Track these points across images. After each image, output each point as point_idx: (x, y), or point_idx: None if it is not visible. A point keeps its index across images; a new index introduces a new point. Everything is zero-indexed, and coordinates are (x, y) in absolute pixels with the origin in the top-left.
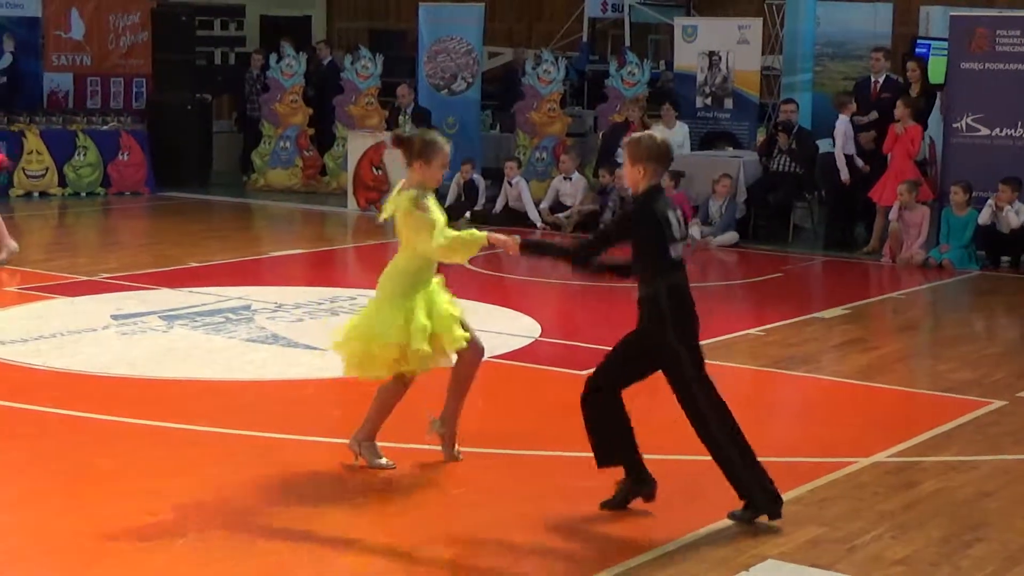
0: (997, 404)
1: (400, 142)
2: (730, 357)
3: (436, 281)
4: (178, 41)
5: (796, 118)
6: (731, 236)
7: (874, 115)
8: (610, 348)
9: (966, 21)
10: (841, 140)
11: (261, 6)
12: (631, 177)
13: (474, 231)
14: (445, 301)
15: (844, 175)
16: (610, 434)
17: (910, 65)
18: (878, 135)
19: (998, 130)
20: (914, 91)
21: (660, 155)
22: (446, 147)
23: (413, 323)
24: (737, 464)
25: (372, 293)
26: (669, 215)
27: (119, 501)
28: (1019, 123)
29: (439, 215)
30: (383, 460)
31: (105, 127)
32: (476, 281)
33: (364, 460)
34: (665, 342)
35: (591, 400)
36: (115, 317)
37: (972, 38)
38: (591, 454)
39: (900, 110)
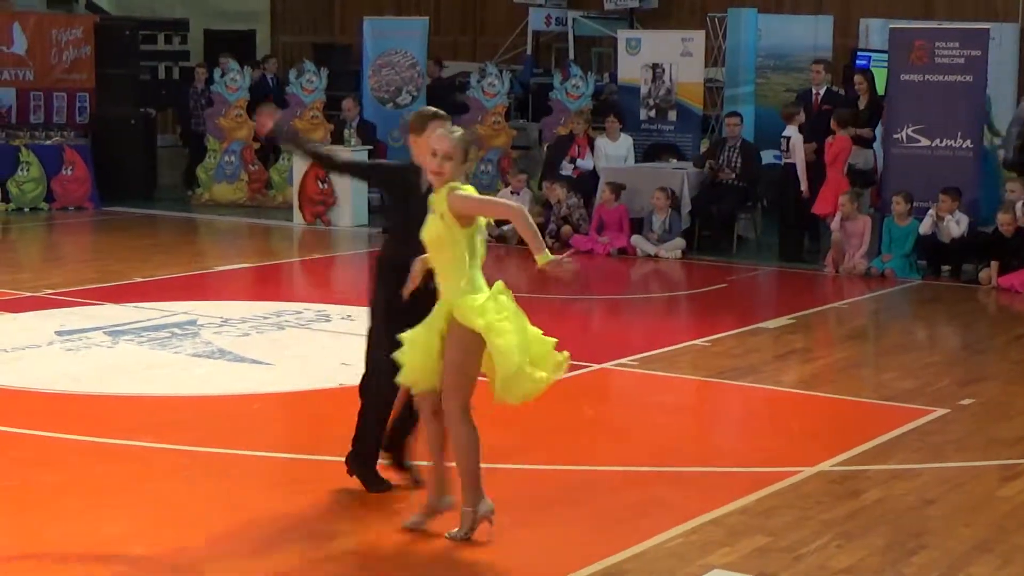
0: (940, 412)
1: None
2: (675, 368)
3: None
4: (122, 55)
5: (738, 131)
6: (678, 242)
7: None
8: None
9: (905, 33)
10: (801, 152)
11: (205, 20)
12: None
13: None
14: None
15: (804, 186)
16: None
17: (857, 78)
18: (819, 147)
19: (938, 141)
20: (862, 103)
21: None
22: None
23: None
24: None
25: (319, 307)
26: None
27: (63, 519)
28: (959, 134)
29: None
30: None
31: (48, 142)
32: None
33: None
34: None
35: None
36: (59, 333)
37: (911, 50)
38: (538, 466)
39: (833, 122)
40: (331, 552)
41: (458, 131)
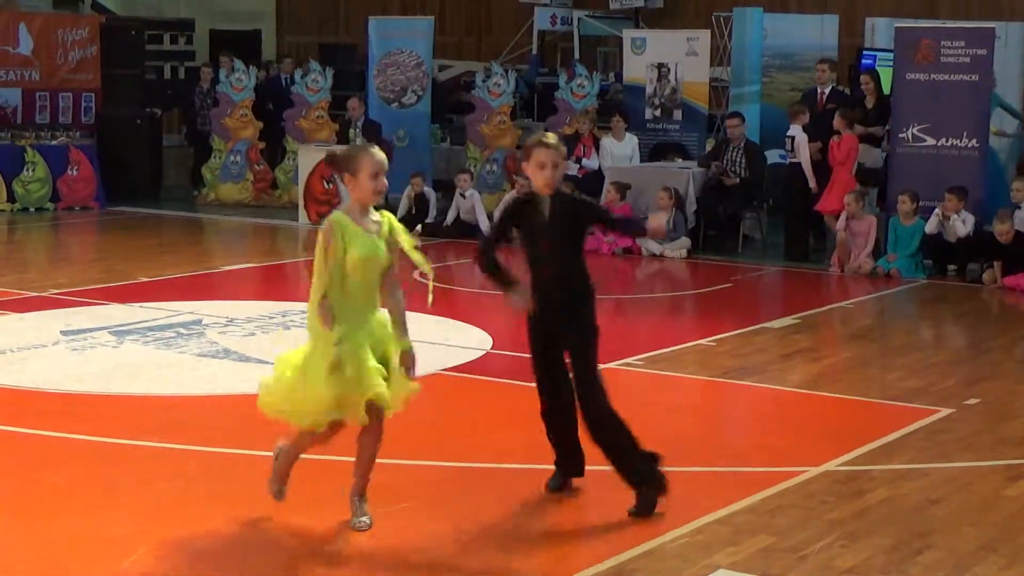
0: (945, 412)
1: (329, 162)
2: (680, 367)
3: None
4: (127, 55)
5: (740, 131)
6: (684, 242)
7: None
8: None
9: (911, 32)
10: (806, 151)
11: (210, 20)
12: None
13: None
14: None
15: (812, 183)
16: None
17: (864, 78)
18: (823, 146)
19: (944, 140)
20: (869, 103)
21: None
22: (374, 154)
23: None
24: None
25: None
26: None
27: (69, 519)
28: (964, 133)
29: (344, 251)
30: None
31: (54, 142)
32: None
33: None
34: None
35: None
36: (65, 333)
37: (917, 49)
38: (543, 466)
39: (837, 121)
40: (336, 552)
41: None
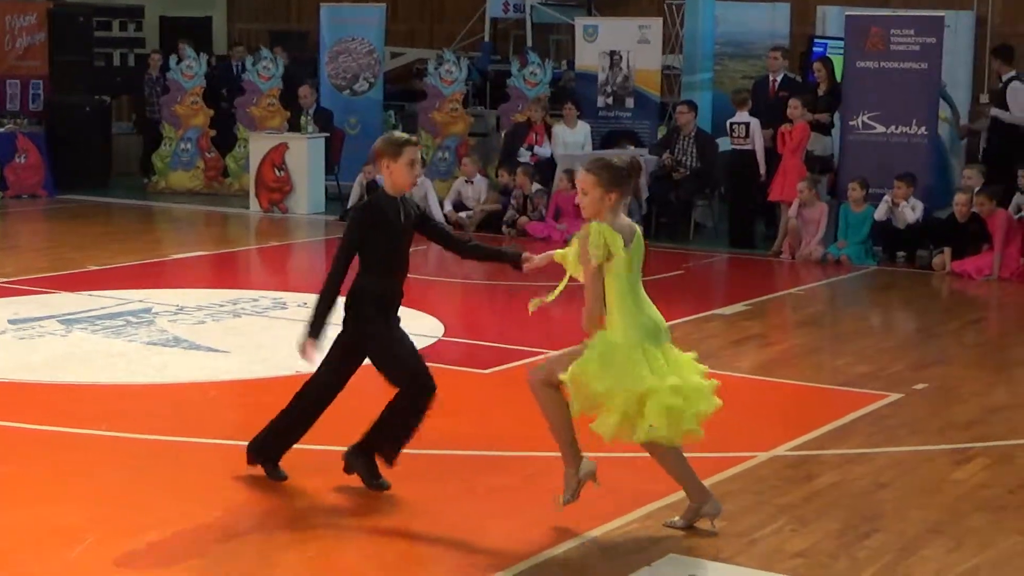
0: (894, 397)
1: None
2: None
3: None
4: (76, 42)
5: (691, 119)
6: None
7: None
8: (514, 346)
9: (861, 21)
10: (760, 138)
11: (161, 7)
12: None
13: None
14: None
15: (763, 169)
16: None
17: (816, 66)
18: (774, 134)
19: (893, 127)
20: (821, 91)
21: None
22: (416, 146)
23: None
24: None
25: (275, 294)
26: None
27: (16, 508)
28: (914, 121)
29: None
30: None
31: (1, 129)
32: None
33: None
34: None
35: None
36: (12, 322)
37: (867, 37)
38: (497, 452)
39: (792, 109)
40: (287, 540)
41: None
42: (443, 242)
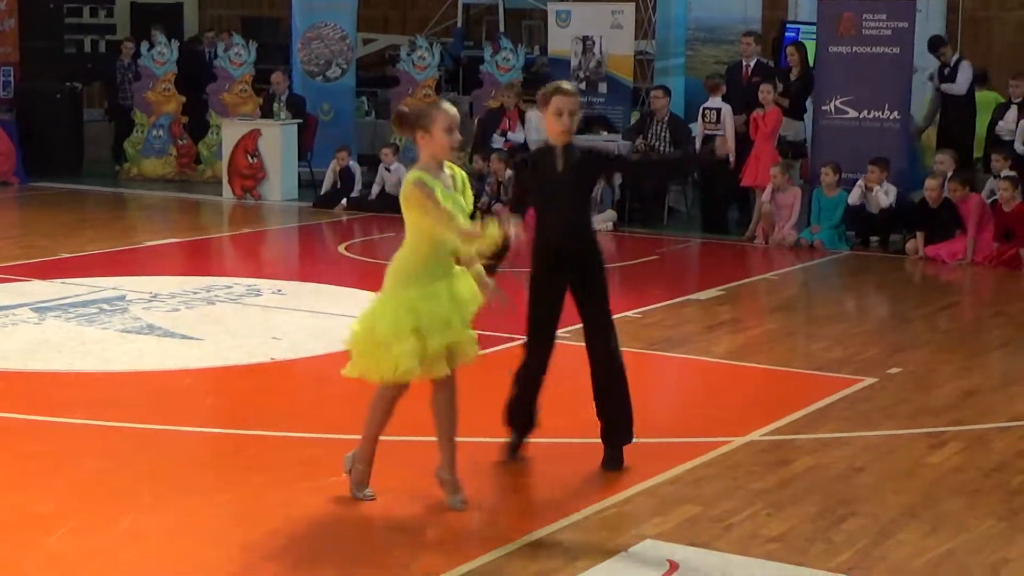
0: (868, 381)
1: (400, 120)
2: None
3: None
4: (47, 28)
5: (664, 105)
6: (609, 214)
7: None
8: (489, 332)
9: (834, 5)
10: (731, 124)
11: None
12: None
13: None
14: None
15: (732, 157)
16: None
17: (789, 50)
18: (748, 119)
19: (866, 112)
20: (794, 75)
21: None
22: (447, 109)
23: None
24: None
25: (249, 281)
26: None
27: None
28: (886, 105)
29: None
30: (368, 491)
31: None
32: (351, 267)
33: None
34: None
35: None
36: None
37: (840, 22)
38: (483, 439)
39: (764, 94)
40: (262, 527)
41: None
42: None
